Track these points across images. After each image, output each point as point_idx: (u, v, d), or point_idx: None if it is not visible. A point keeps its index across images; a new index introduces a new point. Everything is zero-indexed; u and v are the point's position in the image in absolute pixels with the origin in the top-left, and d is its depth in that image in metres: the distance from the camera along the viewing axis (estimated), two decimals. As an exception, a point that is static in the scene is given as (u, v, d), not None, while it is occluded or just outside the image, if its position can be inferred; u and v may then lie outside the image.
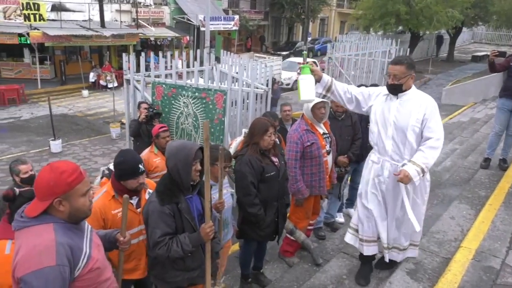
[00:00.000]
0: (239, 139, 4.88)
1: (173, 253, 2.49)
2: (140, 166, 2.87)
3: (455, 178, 6.04)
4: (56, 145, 10.26)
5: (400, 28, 24.78)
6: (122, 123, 11.40)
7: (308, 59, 3.82)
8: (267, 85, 6.37)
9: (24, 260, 1.76)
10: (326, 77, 3.40)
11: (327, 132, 4.30)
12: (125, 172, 2.85)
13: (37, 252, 1.76)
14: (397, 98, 3.17)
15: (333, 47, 13.35)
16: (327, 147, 4.26)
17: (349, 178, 5.55)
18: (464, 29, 29.63)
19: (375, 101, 3.32)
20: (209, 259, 2.64)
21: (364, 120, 5.25)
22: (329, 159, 4.31)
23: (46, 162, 9.48)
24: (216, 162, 3.20)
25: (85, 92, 17.59)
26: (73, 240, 1.88)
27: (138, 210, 2.99)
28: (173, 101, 6.26)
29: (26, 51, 19.19)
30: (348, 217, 5.72)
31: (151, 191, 3.13)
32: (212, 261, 2.76)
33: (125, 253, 2.88)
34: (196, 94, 6.12)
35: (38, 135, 11.75)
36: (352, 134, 4.96)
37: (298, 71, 4.00)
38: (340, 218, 5.57)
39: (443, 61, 29.16)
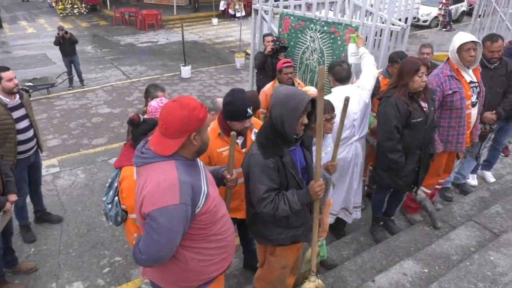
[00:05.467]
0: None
1: (280, 212, 2.32)
2: (248, 110, 2.73)
3: None
4: (186, 71, 10.86)
5: None
6: (247, 54, 11.50)
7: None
8: (405, 22, 5.63)
9: (150, 197, 1.80)
10: (362, 50, 4.02)
11: (476, 81, 3.66)
12: (232, 113, 2.75)
13: (162, 190, 1.78)
14: None
15: (489, -22, 11.23)
16: (473, 99, 3.66)
17: (492, 137, 4.80)
18: None
19: None
20: (317, 217, 2.48)
21: (526, 71, 4.34)
22: (473, 112, 3.73)
23: (177, 86, 10.16)
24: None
25: (215, 21, 18.10)
26: (193, 179, 1.88)
27: (244, 150, 2.91)
28: (299, 35, 5.95)
29: (165, -23, 20.17)
30: (482, 180, 5.05)
31: (257, 130, 3.03)
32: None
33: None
34: (325, 28, 5.69)
35: (171, 60, 12.56)
36: (505, 87, 4.19)
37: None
38: (473, 181, 4.94)
39: None
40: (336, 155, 2.85)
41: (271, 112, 2.30)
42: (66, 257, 4.19)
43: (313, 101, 2.29)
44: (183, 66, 10.88)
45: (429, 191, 4.07)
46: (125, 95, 9.50)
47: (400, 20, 5.79)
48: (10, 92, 3.81)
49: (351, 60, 4.25)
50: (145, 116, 2.83)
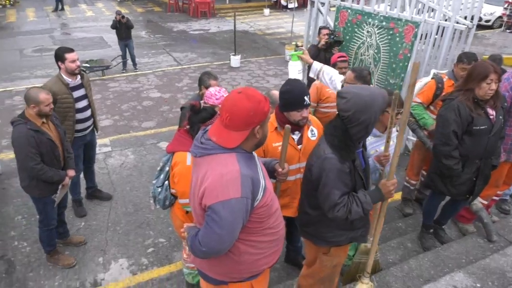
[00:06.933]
0: (425, 80, 4.25)
1: (353, 214, 2.27)
2: (306, 98, 2.67)
3: None
4: (235, 60, 10.90)
5: None
6: (297, 46, 11.34)
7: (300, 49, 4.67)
8: (471, 20, 5.31)
9: (212, 189, 1.79)
10: (316, 65, 3.91)
11: (552, 88, 3.38)
12: (290, 102, 2.68)
13: (224, 183, 1.77)
14: None
15: None
16: (546, 108, 3.39)
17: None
18: None
19: None
20: (382, 217, 2.41)
21: None
22: (545, 123, 3.45)
23: (226, 75, 10.22)
24: (387, 109, 2.81)
25: (267, 11, 18.02)
26: (253, 172, 1.85)
27: (299, 146, 2.85)
28: (356, 29, 5.78)
29: (219, -34, 20.27)
30: (544, 194, 4.71)
31: (314, 129, 2.95)
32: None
33: (281, 187, 2.83)
34: (384, 23, 5.49)
35: (222, 49, 12.65)
36: None
37: (289, 57, 5.23)
38: (534, 194, 4.62)
39: None
40: (388, 146, 2.77)
41: (354, 117, 2.14)
42: (113, 234, 4.35)
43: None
44: (233, 55, 10.92)
45: (485, 202, 3.85)
46: (175, 81, 9.68)
47: (465, 18, 5.48)
48: (72, 73, 3.97)
49: (297, 76, 4.34)
50: (201, 102, 2.85)
